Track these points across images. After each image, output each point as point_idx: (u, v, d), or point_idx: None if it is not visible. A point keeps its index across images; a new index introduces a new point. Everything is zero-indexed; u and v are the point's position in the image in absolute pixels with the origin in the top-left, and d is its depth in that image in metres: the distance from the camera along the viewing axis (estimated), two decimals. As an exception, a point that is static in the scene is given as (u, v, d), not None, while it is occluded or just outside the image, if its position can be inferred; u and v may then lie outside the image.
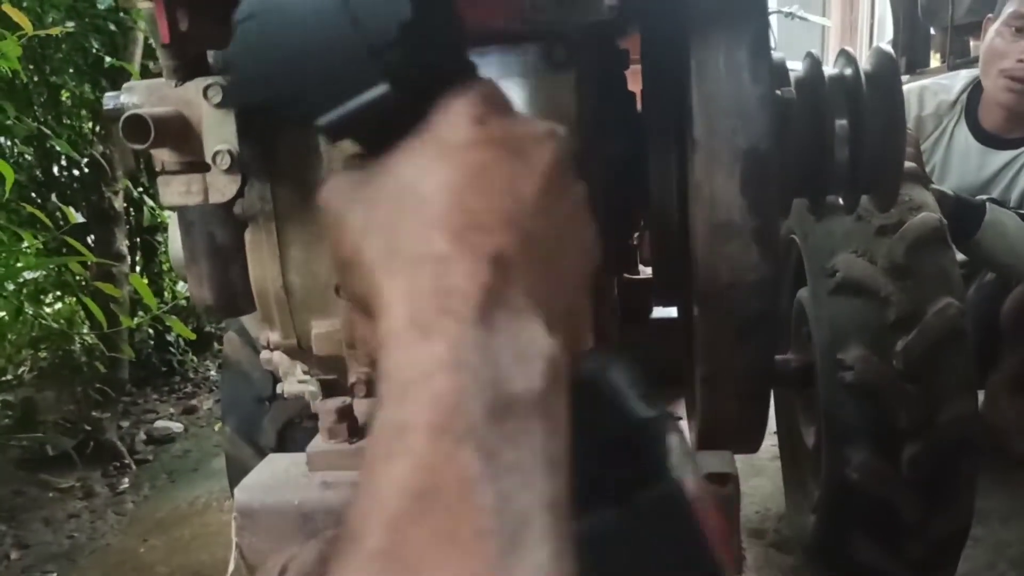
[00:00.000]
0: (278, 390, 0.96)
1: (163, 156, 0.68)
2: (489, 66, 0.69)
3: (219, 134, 0.66)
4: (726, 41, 0.63)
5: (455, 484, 0.28)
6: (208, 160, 0.66)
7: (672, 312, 1.18)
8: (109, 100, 0.72)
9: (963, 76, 2.11)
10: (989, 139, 2.01)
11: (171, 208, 0.79)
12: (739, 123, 0.63)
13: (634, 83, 0.88)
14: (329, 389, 0.85)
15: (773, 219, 0.67)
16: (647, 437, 0.39)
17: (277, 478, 0.84)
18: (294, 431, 1.46)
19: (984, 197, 1.83)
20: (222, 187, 0.67)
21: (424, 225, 0.34)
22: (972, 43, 2.78)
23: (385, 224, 0.35)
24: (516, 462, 0.29)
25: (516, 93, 0.69)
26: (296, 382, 0.89)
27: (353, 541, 0.28)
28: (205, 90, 0.66)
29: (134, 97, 0.71)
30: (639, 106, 0.86)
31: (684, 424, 1.09)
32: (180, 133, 0.67)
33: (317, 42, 0.38)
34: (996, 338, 2.00)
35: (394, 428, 0.30)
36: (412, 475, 0.28)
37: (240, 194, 0.72)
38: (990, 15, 2.02)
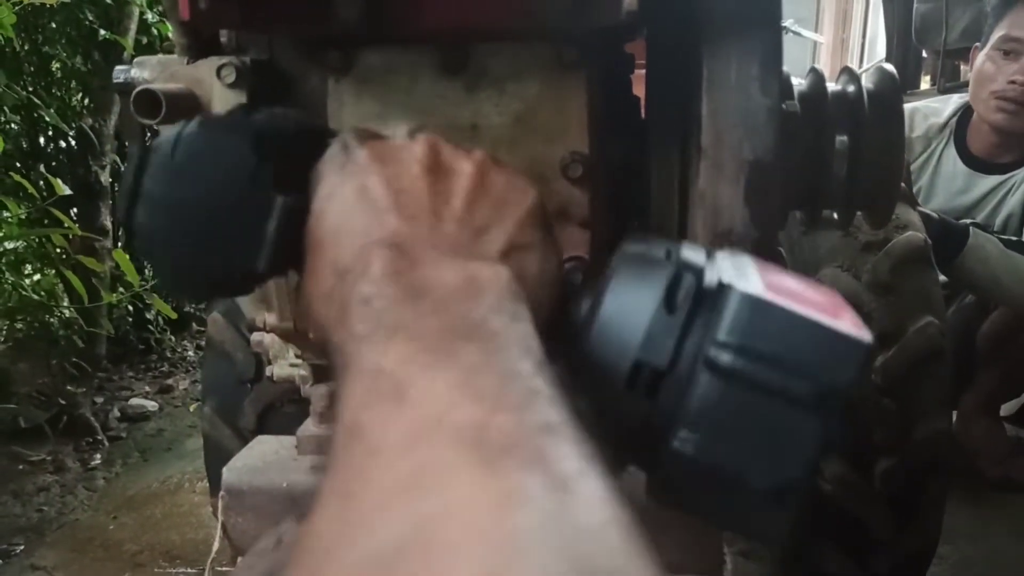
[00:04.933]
0: (266, 372, 0.96)
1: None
2: (498, 63, 0.69)
3: (230, 114, 0.66)
4: (738, 52, 0.64)
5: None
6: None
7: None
8: (119, 73, 0.72)
9: (954, 100, 2.13)
10: (976, 163, 2.04)
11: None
12: (746, 134, 0.64)
13: (637, 88, 0.89)
14: (321, 374, 0.85)
15: (773, 230, 0.67)
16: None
17: (266, 459, 0.84)
18: (275, 415, 1.46)
19: (968, 221, 1.85)
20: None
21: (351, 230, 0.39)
22: (963, 68, 2.81)
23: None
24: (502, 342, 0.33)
25: (525, 90, 0.69)
26: (287, 365, 0.89)
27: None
28: (219, 70, 0.66)
29: (145, 72, 0.71)
30: (643, 110, 0.86)
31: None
32: (190, 111, 0.67)
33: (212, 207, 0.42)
34: (973, 359, 2.03)
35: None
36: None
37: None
38: (977, 44, 2.05)
